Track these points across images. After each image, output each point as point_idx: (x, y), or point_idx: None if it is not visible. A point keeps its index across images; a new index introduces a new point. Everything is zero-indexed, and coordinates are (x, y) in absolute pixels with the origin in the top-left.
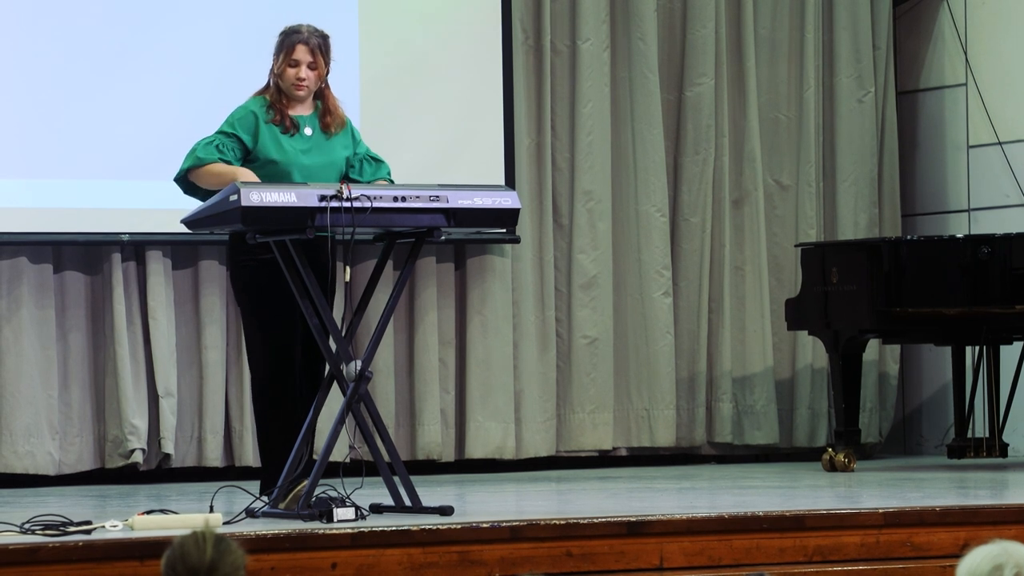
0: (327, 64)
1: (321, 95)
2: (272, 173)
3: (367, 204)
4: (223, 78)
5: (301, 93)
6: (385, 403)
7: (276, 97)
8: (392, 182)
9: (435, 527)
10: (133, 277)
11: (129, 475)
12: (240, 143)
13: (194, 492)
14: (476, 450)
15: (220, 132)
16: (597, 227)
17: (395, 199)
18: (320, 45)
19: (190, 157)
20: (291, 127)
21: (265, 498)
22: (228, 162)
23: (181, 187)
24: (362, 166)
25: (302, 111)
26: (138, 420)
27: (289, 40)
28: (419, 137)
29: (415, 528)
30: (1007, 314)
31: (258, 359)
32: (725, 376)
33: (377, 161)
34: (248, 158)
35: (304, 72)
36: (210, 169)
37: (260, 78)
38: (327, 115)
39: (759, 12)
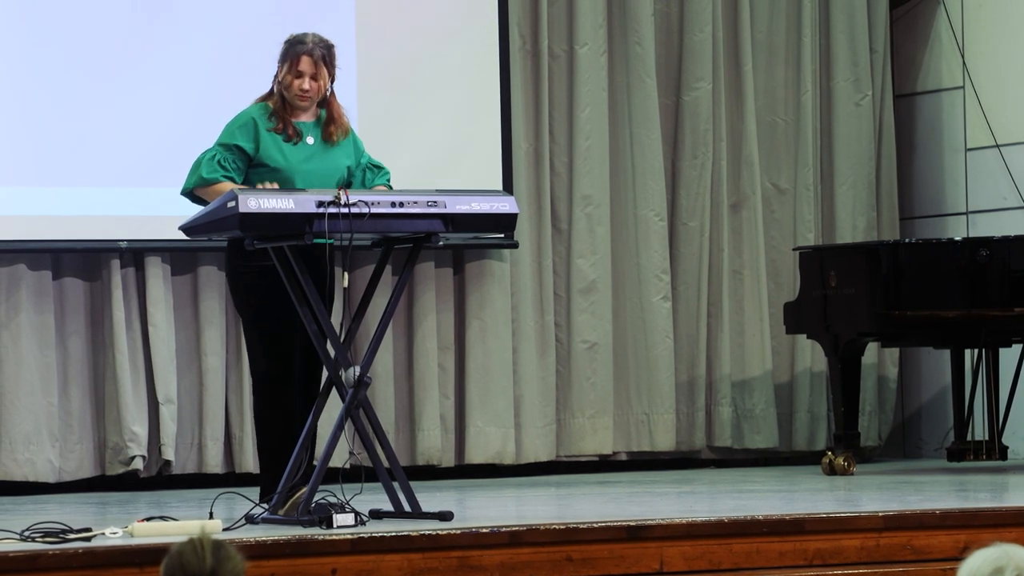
0: (331, 74)
1: (326, 103)
2: (275, 180)
3: (365, 210)
4: (222, 85)
5: (304, 104)
6: (384, 408)
7: (279, 105)
8: (390, 187)
9: (435, 532)
10: (132, 283)
11: (129, 482)
12: (242, 153)
13: (194, 499)
14: (476, 455)
15: (220, 144)
16: (596, 232)
17: (393, 204)
18: (324, 56)
19: (194, 175)
20: (294, 135)
21: (265, 504)
22: (231, 178)
23: (189, 199)
24: (364, 175)
25: (305, 118)
26: (138, 427)
27: (293, 50)
28: (417, 142)
29: (415, 534)
30: (1006, 316)
31: (258, 365)
32: (724, 380)
33: (378, 168)
34: (251, 164)
35: (308, 83)
36: (216, 189)
37: (258, 85)
38: (331, 124)
39: (756, 16)
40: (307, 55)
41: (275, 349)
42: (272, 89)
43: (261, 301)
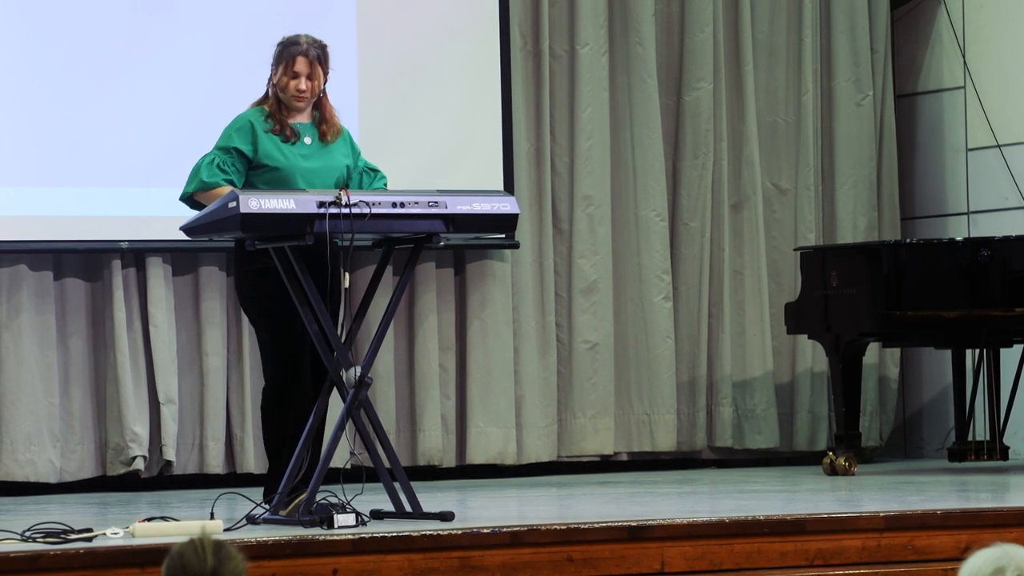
0: (325, 74)
1: (319, 104)
2: (275, 179)
3: (366, 210)
4: (223, 86)
5: (301, 104)
6: (385, 409)
7: (275, 107)
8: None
9: (436, 533)
10: (133, 283)
11: (130, 482)
12: (240, 156)
13: (195, 499)
14: (477, 455)
15: (219, 148)
16: (597, 232)
17: (394, 205)
18: (319, 56)
19: (194, 180)
20: (291, 136)
21: (266, 504)
22: (232, 181)
23: (188, 205)
24: (361, 179)
25: (301, 119)
26: (139, 427)
27: (288, 52)
28: (418, 142)
29: (416, 534)
30: (1007, 317)
31: (268, 366)
32: (725, 380)
33: (374, 171)
34: (251, 166)
35: (304, 84)
36: (216, 193)
37: (259, 85)
38: (323, 123)
39: (757, 16)
40: (302, 56)
41: (285, 350)
42: (267, 92)
43: (269, 303)
